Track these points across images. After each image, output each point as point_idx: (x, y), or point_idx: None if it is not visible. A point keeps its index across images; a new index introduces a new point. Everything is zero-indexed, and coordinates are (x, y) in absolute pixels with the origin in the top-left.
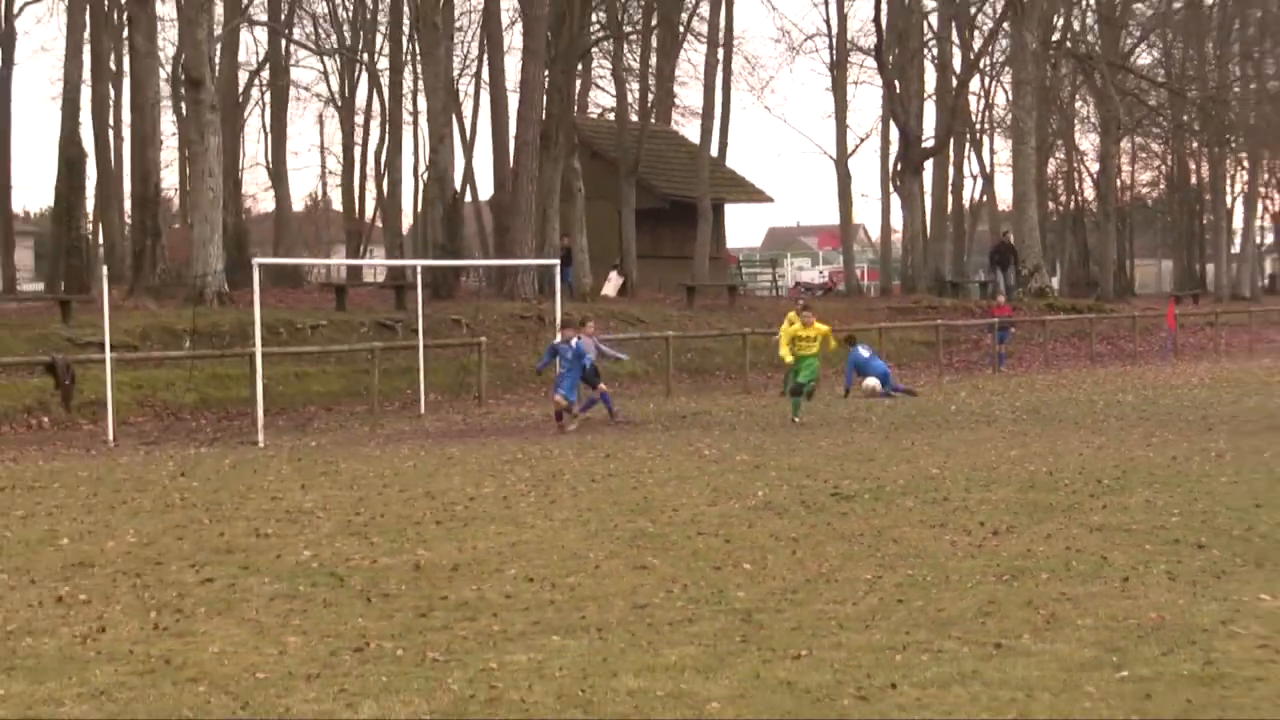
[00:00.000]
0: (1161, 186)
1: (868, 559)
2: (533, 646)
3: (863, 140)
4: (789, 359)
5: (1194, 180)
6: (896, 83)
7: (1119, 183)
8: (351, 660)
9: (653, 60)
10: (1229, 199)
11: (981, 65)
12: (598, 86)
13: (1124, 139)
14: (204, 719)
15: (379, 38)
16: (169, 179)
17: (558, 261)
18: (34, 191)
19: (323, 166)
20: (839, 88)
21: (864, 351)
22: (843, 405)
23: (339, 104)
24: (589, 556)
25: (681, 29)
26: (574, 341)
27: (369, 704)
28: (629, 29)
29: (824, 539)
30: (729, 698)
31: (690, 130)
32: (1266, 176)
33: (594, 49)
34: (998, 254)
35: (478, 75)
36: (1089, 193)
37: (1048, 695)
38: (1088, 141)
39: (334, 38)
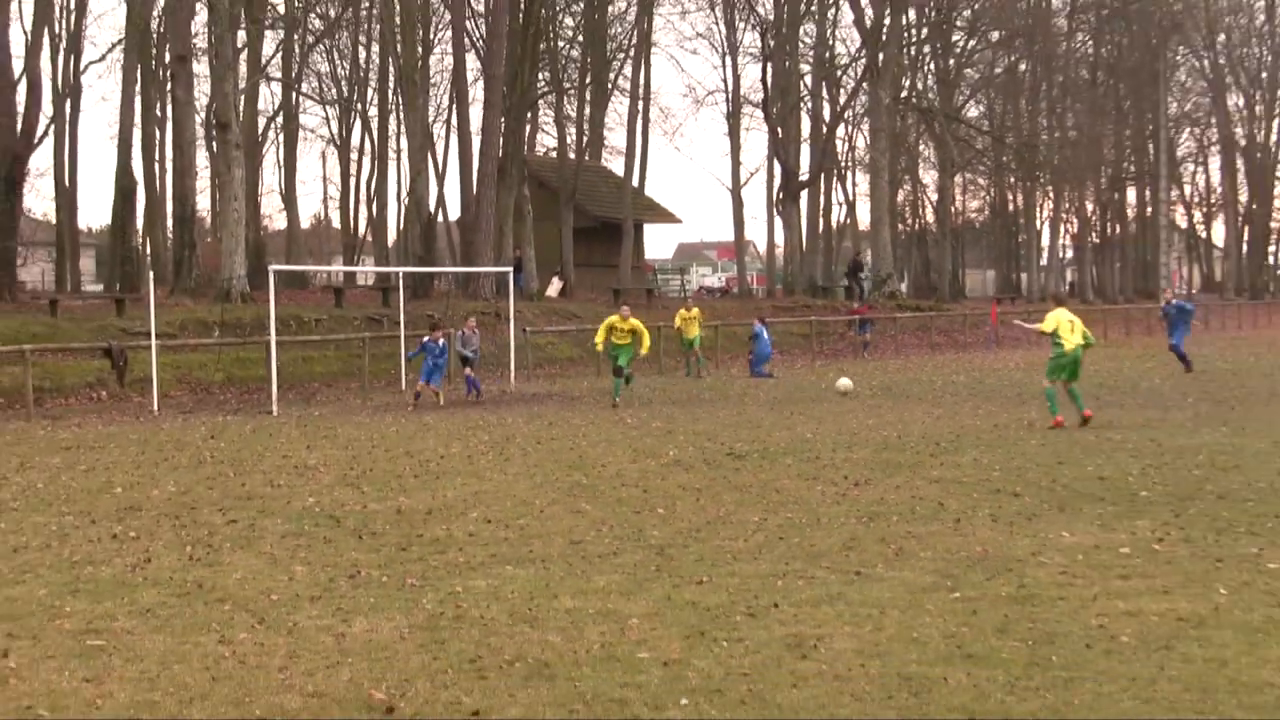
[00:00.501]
0: (986, 212)
1: (756, 505)
2: (490, 574)
3: (753, 174)
4: (600, 348)
5: (1011, 207)
6: (779, 129)
7: (953, 209)
8: (346, 585)
9: (587, 110)
10: (1038, 222)
11: (845, 116)
12: (543, 130)
13: (956, 175)
14: (228, 631)
15: (370, 91)
16: (202, 202)
17: (511, 269)
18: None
19: (325, 193)
20: (734, 133)
21: (765, 334)
22: (738, 384)
23: (338, 143)
24: (535, 503)
25: (609, 86)
26: (440, 341)
27: (360, 620)
28: (568, 85)
29: (721, 489)
30: (646, 615)
31: (616, 165)
32: (1067, 205)
33: (540, 101)
34: (851, 268)
35: (448, 121)
36: (930, 217)
37: (896, 612)
38: (929, 176)
39: (334, 91)
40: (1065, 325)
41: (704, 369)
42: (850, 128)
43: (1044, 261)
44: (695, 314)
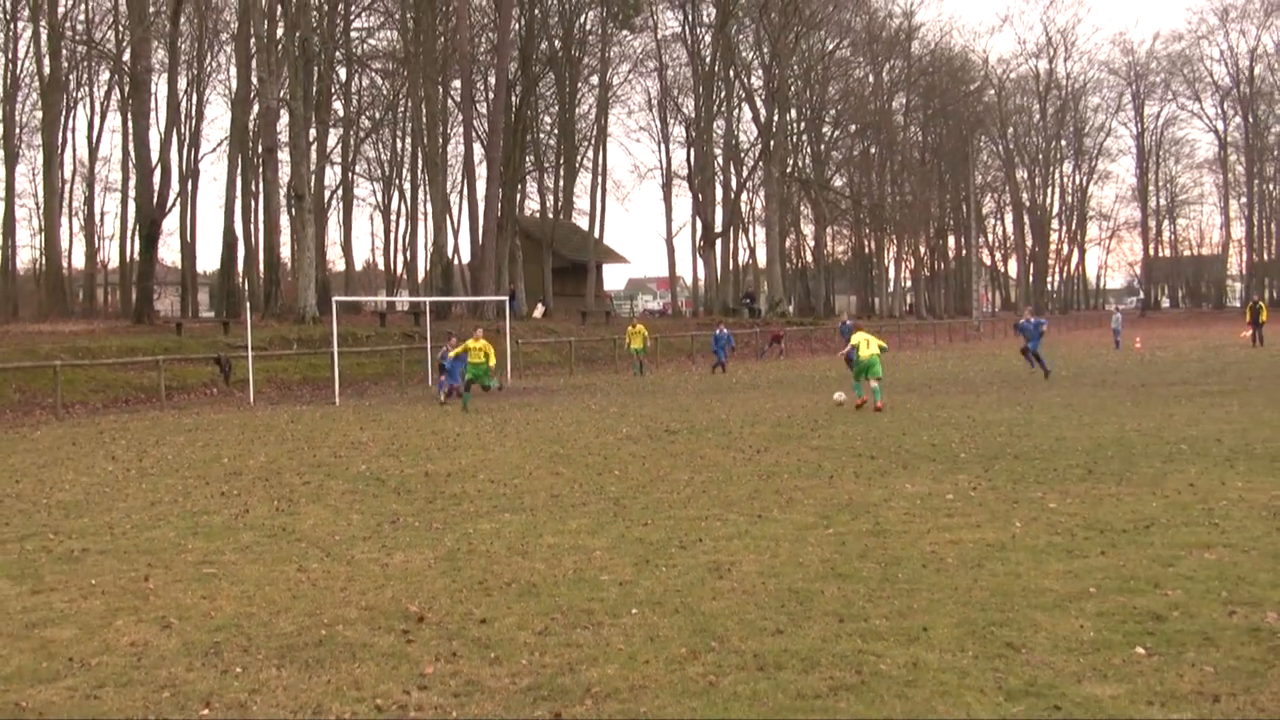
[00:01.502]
0: (849, 254)
1: (685, 468)
2: (493, 520)
3: (681, 228)
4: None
5: (867, 250)
6: (700, 195)
7: (826, 252)
8: (389, 529)
9: (561, 183)
10: (887, 260)
11: (747, 185)
12: (529, 197)
13: (828, 227)
14: (304, 562)
15: (404, 170)
16: (284, 252)
17: (508, 298)
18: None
19: (372, 244)
20: (667, 198)
21: (725, 332)
22: (671, 380)
23: (382, 209)
24: (525, 468)
25: (577, 165)
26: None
27: (399, 554)
28: (547, 165)
29: (660, 457)
30: (606, 549)
31: (583, 221)
32: (906, 248)
33: (527, 176)
34: (746, 296)
35: (462, 191)
36: (809, 257)
37: (787, 544)
38: (808, 228)
39: (379, 170)
40: (862, 342)
41: (646, 370)
42: (750, 194)
43: (891, 289)
44: (640, 329)
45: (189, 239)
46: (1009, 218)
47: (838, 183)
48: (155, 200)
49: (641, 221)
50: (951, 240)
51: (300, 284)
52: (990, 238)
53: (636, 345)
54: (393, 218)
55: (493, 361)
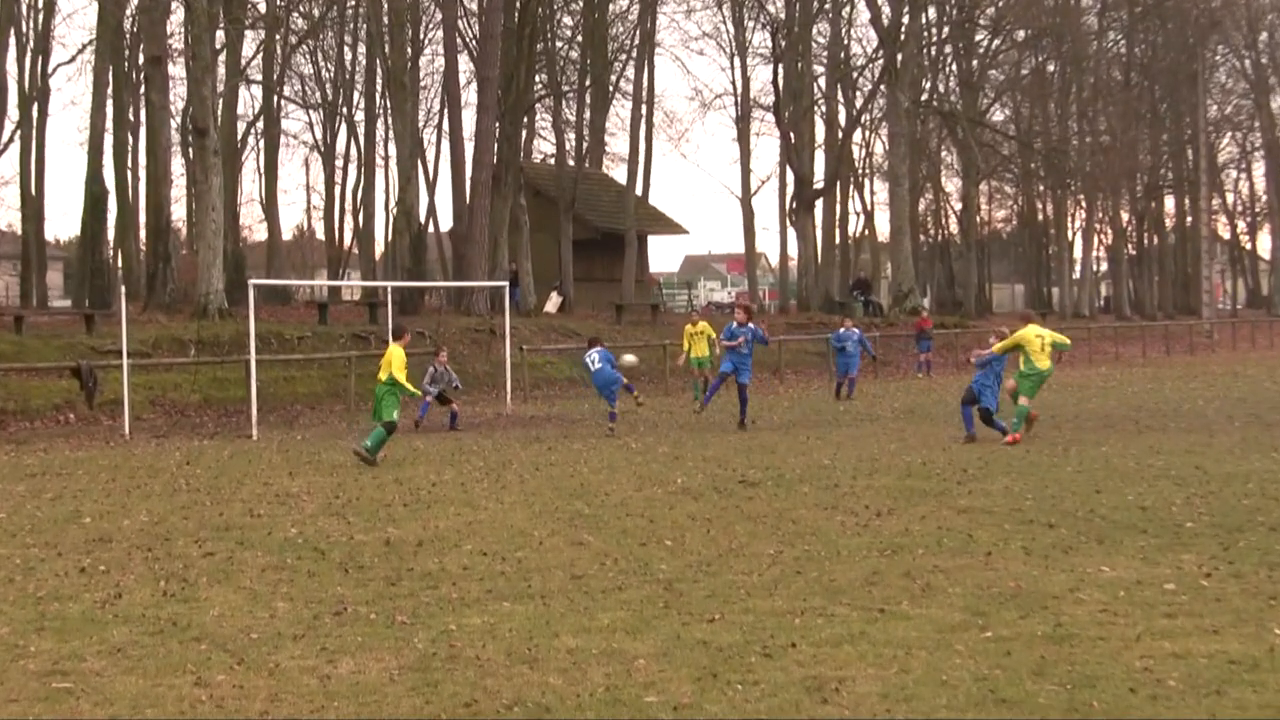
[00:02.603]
0: (1014, 222)
1: (770, 536)
2: (486, 611)
3: (764, 182)
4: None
5: (1040, 217)
6: (791, 134)
7: (978, 219)
8: (331, 623)
9: (586, 114)
10: (1070, 233)
11: (862, 120)
12: (540, 136)
13: (982, 182)
14: (205, 672)
15: (356, 94)
16: (178, 212)
17: (507, 283)
18: (63, 222)
19: (308, 202)
20: (743, 138)
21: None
22: (751, 404)
23: (322, 150)
24: (534, 534)
25: (610, 88)
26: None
27: (347, 660)
28: (566, 88)
29: (733, 519)
30: (653, 655)
31: (619, 173)
32: (1100, 214)
33: (537, 105)
34: (857, 286)
35: (439, 126)
36: (954, 227)
37: (924, 653)
38: (952, 184)
39: (318, 94)
40: (1034, 343)
41: (709, 392)
42: (867, 133)
43: (1077, 275)
44: (703, 328)
45: (34, 191)
46: (1259, 169)
47: (997, 116)
48: None
49: (705, 173)
50: (1170, 203)
51: (202, 260)
52: (1230, 199)
53: (699, 353)
54: (338, 164)
55: (400, 376)
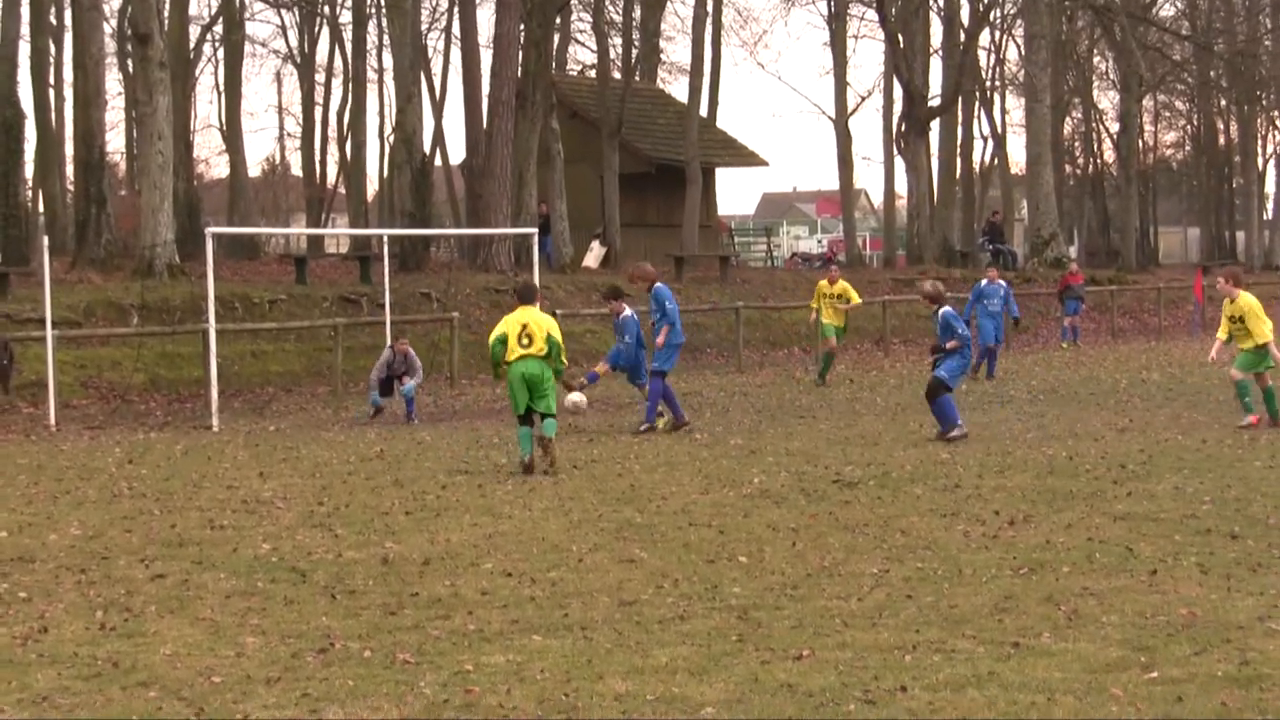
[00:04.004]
0: (1187, 148)
1: (873, 551)
2: (511, 647)
3: (864, 99)
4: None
5: (1222, 141)
6: (900, 37)
7: (1141, 144)
8: (315, 662)
9: (636, 12)
10: (1260, 161)
11: (991, 18)
12: (578, 42)
13: (1146, 97)
14: None
15: None
16: (115, 142)
17: (535, 230)
18: None
19: (281, 128)
20: (838, 42)
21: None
22: (844, 386)
23: (298, 61)
24: (571, 549)
25: None
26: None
27: (334, 709)
28: None
29: (826, 529)
30: (725, 702)
31: (678, 89)
32: None
33: (574, 0)
34: (988, 230)
35: (448, 29)
36: (1109, 155)
37: (1071, 699)
38: (1107, 100)
39: None
40: (1247, 311)
41: (829, 367)
42: (998, 34)
43: (1269, 215)
44: (843, 289)
45: None
46: None
47: (1166, 12)
48: None
49: (789, 88)
50: None
51: (146, 203)
52: None
53: (833, 320)
54: (319, 79)
55: (555, 336)
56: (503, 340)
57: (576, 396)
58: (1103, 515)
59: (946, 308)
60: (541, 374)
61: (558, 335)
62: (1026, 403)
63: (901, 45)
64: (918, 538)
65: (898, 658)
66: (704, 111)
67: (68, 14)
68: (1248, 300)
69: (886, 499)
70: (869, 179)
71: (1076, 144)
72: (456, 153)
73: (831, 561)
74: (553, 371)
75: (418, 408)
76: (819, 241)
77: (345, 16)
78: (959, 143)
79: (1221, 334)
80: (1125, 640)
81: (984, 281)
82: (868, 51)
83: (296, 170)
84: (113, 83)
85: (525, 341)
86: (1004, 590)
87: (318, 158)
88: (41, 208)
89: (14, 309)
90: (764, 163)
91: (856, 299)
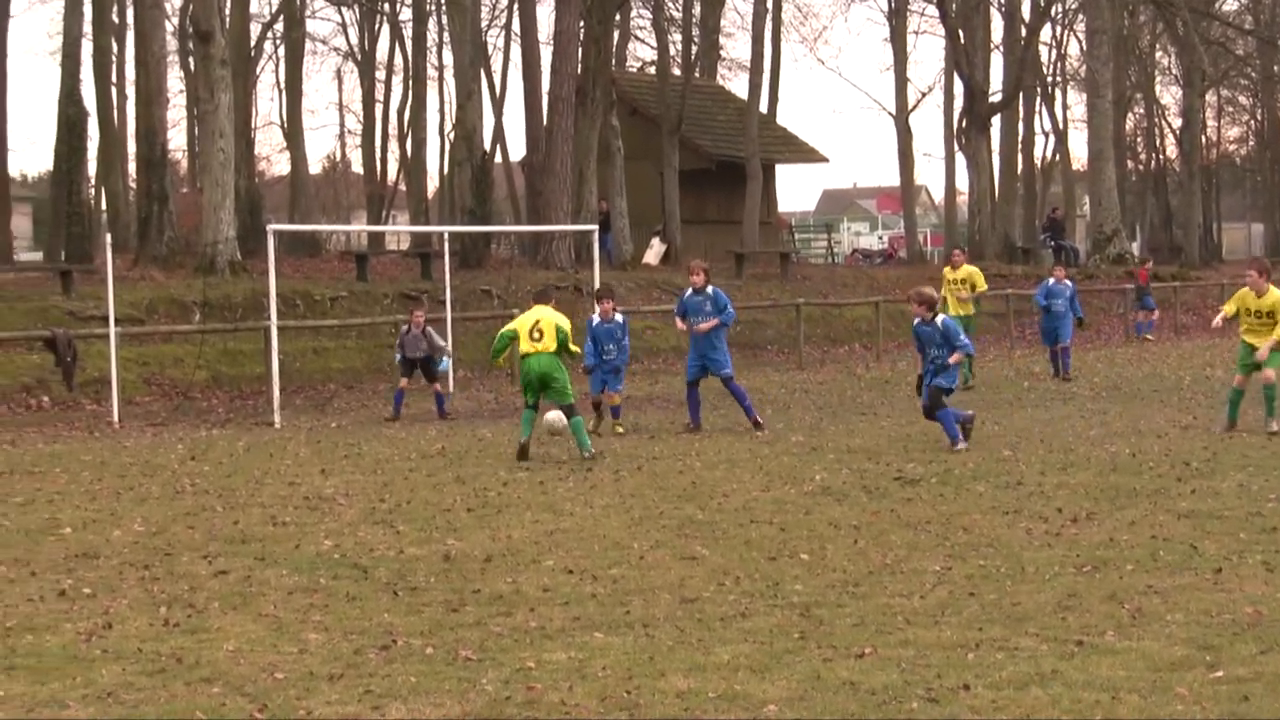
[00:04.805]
0: (1250, 143)
1: (935, 549)
2: (573, 644)
3: (924, 95)
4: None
5: None
6: (961, 32)
7: (1204, 139)
8: (377, 659)
9: (696, 9)
10: None
11: (1053, 12)
12: (637, 38)
13: (1209, 91)
14: None
15: None
16: (176, 140)
17: (595, 227)
18: (32, 154)
19: (341, 126)
20: (898, 38)
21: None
22: (904, 383)
23: (358, 58)
24: (633, 546)
25: None
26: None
27: (396, 706)
28: None
29: (888, 527)
30: (787, 699)
31: (738, 85)
32: None
33: None
34: (1049, 226)
35: (508, 26)
36: (1171, 150)
37: (1135, 697)
38: (1169, 95)
39: None
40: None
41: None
42: (1059, 29)
43: None
44: (966, 273)
45: None
46: None
47: (1229, 6)
48: None
49: (849, 84)
50: None
51: (207, 200)
52: None
53: (957, 311)
54: (379, 76)
55: (565, 330)
56: (513, 334)
57: (554, 416)
58: (1166, 513)
59: (945, 315)
60: (552, 369)
61: (567, 327)
62: (1089, 400)
63: (962, 41)
64: (980, 535)
65: (960, 655)
66: (764, 108)
67: (130, 12)
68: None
69: (949, 496)
70: (930, 175)
71: (1139, 139)
72: (517, 149)
73: (893, 559)
74: (565, 363)
75: (450, 399)
76: (880, 238)
77: (405, 14)
78: (1020, 138)
79: (1229, 308)
80: (1190, 639)
81: (1051, 280)
82: (928, 47)
83: (357, 167)
84: (174, 80)
85: (536, 336)
86: (1067, 588)
87: (378, 155)
88: (104, 205)
89: (77, 306)
90: (824, 159)
91: (983, 285)
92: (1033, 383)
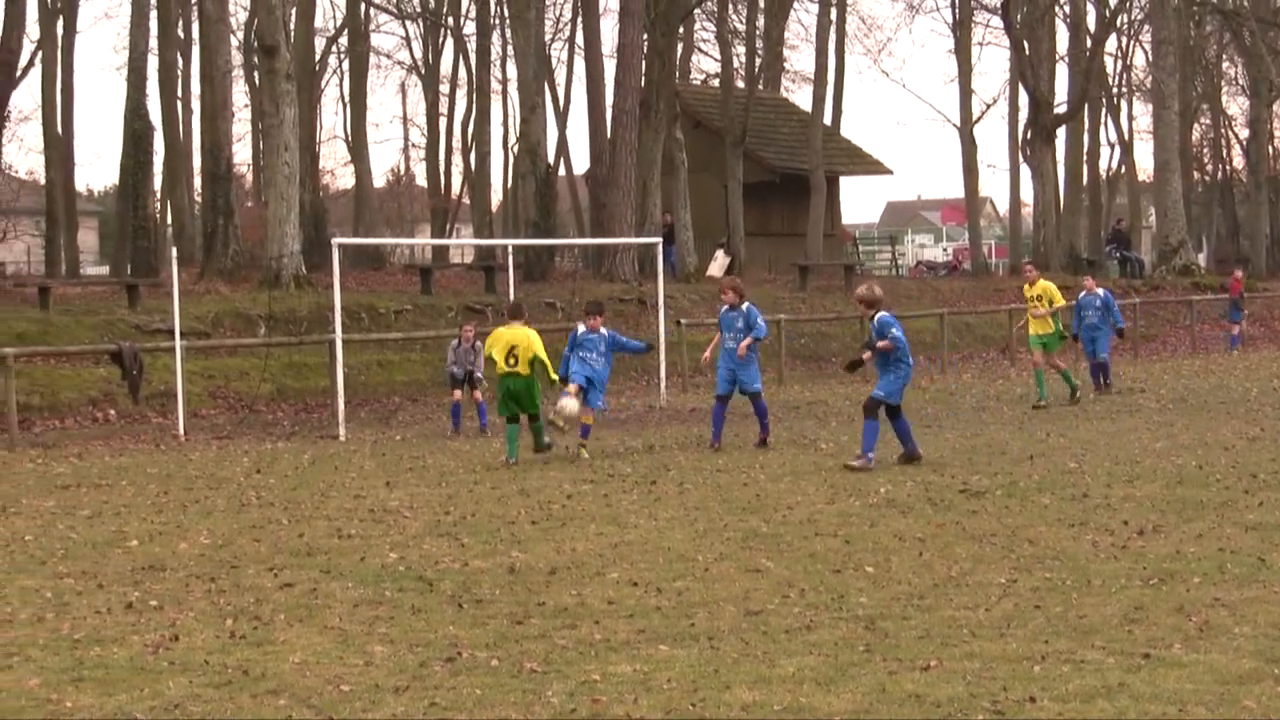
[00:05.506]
0: None
1: (1001, 561)
2: (638, 657)
3: (989, 106)
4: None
5: None
6: (1025, 43)
7: (1271, 150)
8: (442, 671)
9: (760, 21)
10: None
11: (1118, 23)
12: (701, 51)
13: (1276, 101)
14: None
15: (465, 0)
16: (241, 154)
17: (660, 240)
18: (98, 168)
19: (405, 139)
20: (963, 49)
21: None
22: (969, 395)
23: (422, 72)
24: (697, 559)
25: None
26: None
27: (462, 718)
28: None
29: (953, 539)
30: (852, 712)
31: (801, 97)
32: None
33: (697, 10)
34: (1114, 238)
35: (571, 39)
36: (1238, 161)
37: (1203, 710)
38: (1236, 105)
39: (416, 1)
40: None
41: (1076, 391)
42: (1125, 39)
43: None
44: (1042, 289)
45: (59, 129)
46: None
47: None
48: None
49: (913, 96)
50: None
51: (272, 214)
52: None
53: (1041, 331)
54: (443, 90)
55: (540, 355)
56: (491, 359)
57: (568, 401)
58: (1234, 525)
59: (884, 312)
60: (525, 389)
61: (542, 354)
62: (1155, 412)
63: (1027, 52)
64: (1046, 547)
65: (1026, 668)
66: (828, 120)
67: (195, 27)
68: None
69: (1014, 508)
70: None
71: (1205, 150)
72: (580, 162)
73: (959, 571)
74: (541, 386)
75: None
76: (944, 250)
77: (469, 27)
78: (1085, 149)
79: None
80: (1258, 652)
81: (1082, 293)
82: (993, 58)
83: (421, 181)
84: (239, 95)
85: (511, 361)
86: (1134, 600)
87: (442, 168)
88: (169, 219)
89: (143, 320)
90: (888, 171)
91: (1060, 300)
92: (1097, 395)
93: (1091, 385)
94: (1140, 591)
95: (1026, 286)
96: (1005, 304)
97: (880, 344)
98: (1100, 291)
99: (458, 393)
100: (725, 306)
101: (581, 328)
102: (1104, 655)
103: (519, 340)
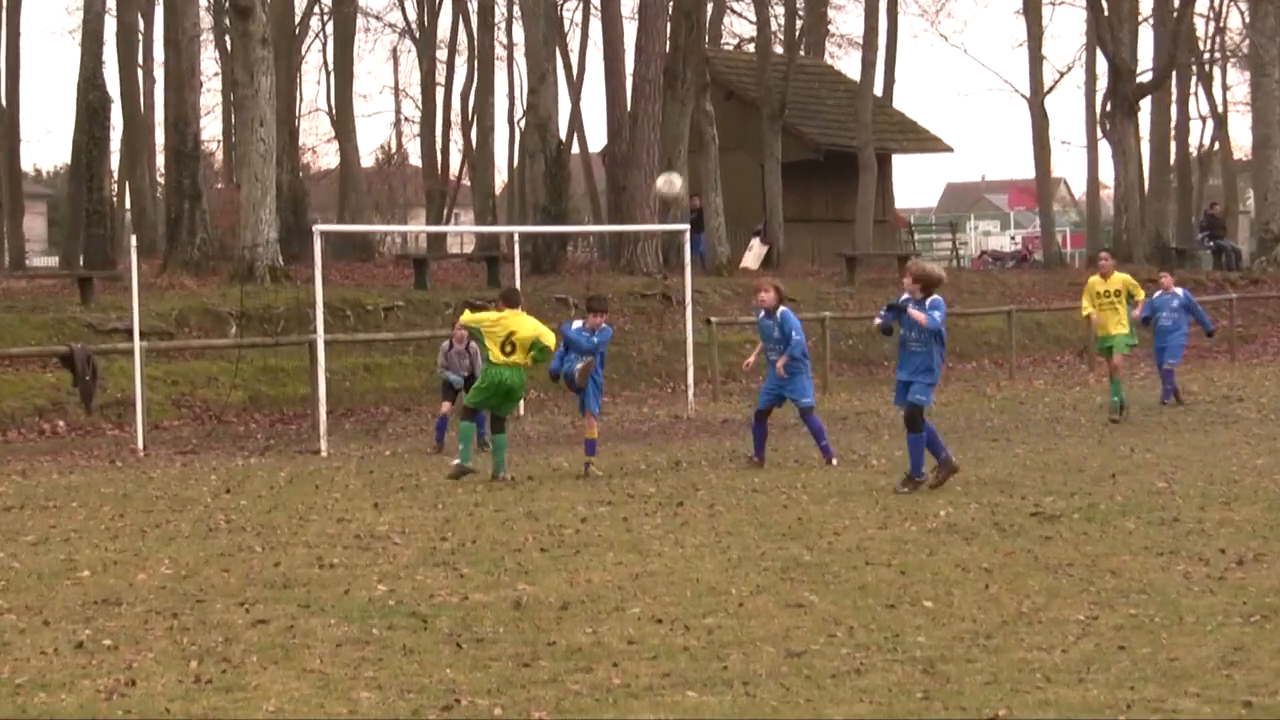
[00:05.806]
0: None
1: (1079, 595)
2: (662, 704)
3: (1063, 75)
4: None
5: None
6: (1104, 3)
7: None
8: None
9: None
10: None
11: None
12: (734, 12)
13: None
14: None
15: None
16: (211, 129)
17: (687, 227)
18: (47, 145)
19: (397, 113)
20: (1032, 10)
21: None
22: (1041, 404)
23: (417, 36)
24: (730, 592)
25: None
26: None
27: None
28: None
29: (1024, 570)
30: None
31: (848, 64)
32: None
33: None
34: (1206, 224)
35: (586, 0)
36: None
37: None
38: None
39: None
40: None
41: (1126, 399)
42: (1216, 3)
43: None
44: (1121, 282)
45: (2, 101)
46: None
47: None
48: None
49: (976, 63)
50: None
51: (246, 198)
52: None
53: (1112, 331)
54: (440, 57)
55: (543, 337)
56: (478, 332)
57: (665, 179)
58: None
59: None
60: (520, 384)
61: (549, 340)
62: (1256, 423)
63: (1106, 13)
64: (1130, 579)
65: (1109, 718)
66: (879, 90)
67: None
68: None
69: (1093, 534)
70: (1069, 166)
71: None
72: (597, 139)
73: (1030, 607)
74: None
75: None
76: (1012, 238)
77: None
78: (1173, 124)
79: None
80: None
81: (1157, 291)
82: (1067, 20)
83: (415, 160)
84: (208, 62)
85: (509, 350)
86: (1232, 640)
87: (439, 145)
88: (129, 203)
89: (98, 318)
90: (948, 148)
91: (1142, 295)
92: (1190, 403)
93: (1173, 393)
94: (1240, 630)
95: (1098, 279)
96: (1079, 299)
97: (915, 313)
98: (1179, 291)
99: (447, 404)
100: (760, 311)
101: (577, 324)
102: (1199, 704)
103: (517, 326)
